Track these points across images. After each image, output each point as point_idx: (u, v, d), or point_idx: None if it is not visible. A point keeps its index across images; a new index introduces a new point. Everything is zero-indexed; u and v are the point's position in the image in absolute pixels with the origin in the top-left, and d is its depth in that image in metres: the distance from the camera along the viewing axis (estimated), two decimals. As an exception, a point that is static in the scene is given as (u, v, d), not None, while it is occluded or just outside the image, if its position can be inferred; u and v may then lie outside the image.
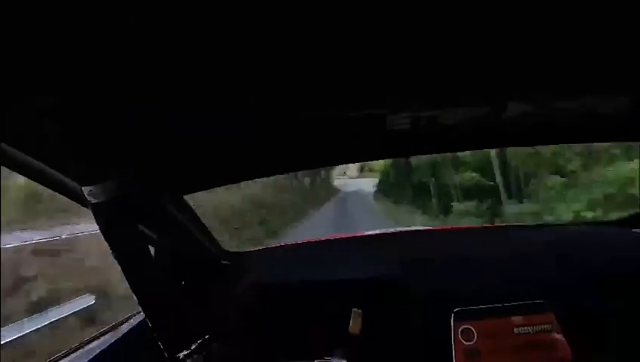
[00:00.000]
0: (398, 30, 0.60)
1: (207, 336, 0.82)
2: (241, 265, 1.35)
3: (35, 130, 0.64)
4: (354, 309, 1.17)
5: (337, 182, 23.14)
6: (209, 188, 1.14)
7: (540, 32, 0.64)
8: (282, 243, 1.64)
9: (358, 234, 1.70)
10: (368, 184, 19.95)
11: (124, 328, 1.06)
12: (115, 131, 0.72)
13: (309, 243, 1.57)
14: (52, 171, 0.74)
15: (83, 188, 0.71)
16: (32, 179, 0.75)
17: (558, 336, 1.08)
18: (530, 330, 1.09)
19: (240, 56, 0.62)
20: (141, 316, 0.93)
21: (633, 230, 1.40)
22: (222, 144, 0.91)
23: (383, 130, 0.92)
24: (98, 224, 0.75)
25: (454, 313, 1.12)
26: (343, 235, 1.67)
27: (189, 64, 0.64)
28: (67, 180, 0.77)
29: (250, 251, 1.50)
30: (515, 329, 1.09)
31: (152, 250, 0.98)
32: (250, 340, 1.20)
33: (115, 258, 0.77)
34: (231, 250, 1.40)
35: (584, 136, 1.27)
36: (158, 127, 0.77)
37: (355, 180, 23.38)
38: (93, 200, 0.72)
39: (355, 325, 1.16)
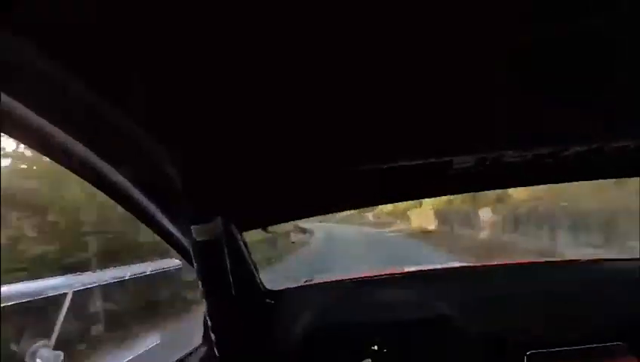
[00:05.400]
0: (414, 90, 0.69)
1: None
2: (284, 304, 1.32)
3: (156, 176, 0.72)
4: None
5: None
6: (273, 225, 1.21)
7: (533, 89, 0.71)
8: (320, 280, 1.61)
9: (401, 271, 1.66)
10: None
11: None
12: (228, 173, 0.80)
13: (351, 280, 1.52)
14: (158, 211, 0.81)
15: (192, 227, 0.78)
16: (140, 219, 0.84)
17: None
18: None
19: (319, 109, 0.72)
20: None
21: None
22: (296, 183, 0.97)
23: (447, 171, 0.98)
24: (196, 262, 0.82)
25: (527, 356, 1.06)
26: (385, 271, 1.62)
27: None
28: (169, 221, 0.83)
29: (290, 289, 1.46)
30: None
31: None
32: None
33: (204, 292, 0.84)
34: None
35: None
36: (258, 168, 0.85)
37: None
38: (198, 238, 0.79)
39: None
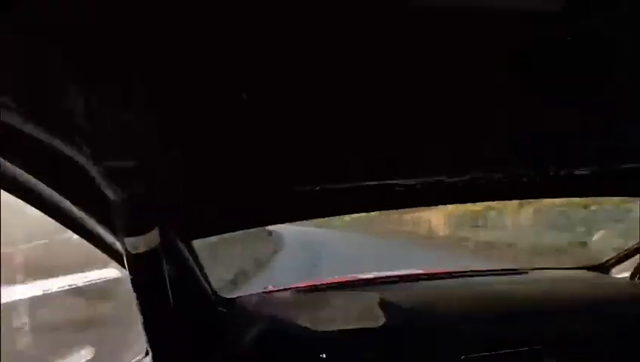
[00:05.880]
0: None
1: None
2: (236, 313, 1.29)
3: (85, 185, 0.67)
4: None
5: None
6: (222, 233, 1.16)
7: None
8: (273, 288, 1.60)
9: (350, 278, 1.68)
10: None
11: None
12: (163, 184, 0.77)
13: (301, 288, 1.52)
14: (91, 221, 0.76)
15: (125, 239, 0.73)
16: (70, 229, 0.78)
17: None
18: None
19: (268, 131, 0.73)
20: None
21: (611, 276, 1.48)
22: (241, 193, 0.95)
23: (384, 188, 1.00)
24: (131, 274, 0.77)
25: (462, 361, 1.10)
26: (336, 279, 1.64)
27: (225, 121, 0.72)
28: (103, 231, 0.78)
29: (242, 297, 1.43)
30: None
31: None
32: None
33: (139, 305, 0.79)
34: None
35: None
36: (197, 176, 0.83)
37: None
38: (133, 251, 0.74)
39: None
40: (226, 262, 7.97)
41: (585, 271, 1.64)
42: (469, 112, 0.77)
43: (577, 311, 1.24)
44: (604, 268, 1.54)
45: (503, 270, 1.77)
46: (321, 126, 0.77)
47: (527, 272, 1.66)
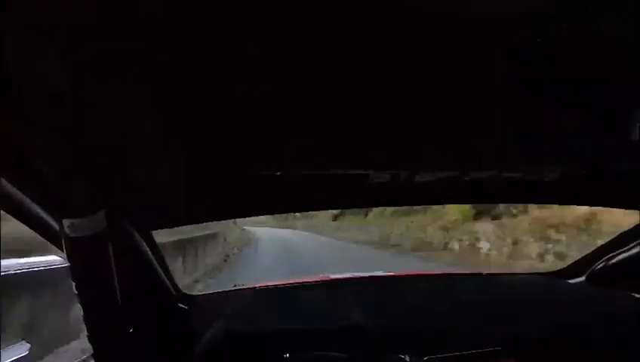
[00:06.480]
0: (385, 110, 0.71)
1: None
2: (198, 310, 1.23)
3: (24, 160, 0.60)
4: None
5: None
6: (180, 226, 1.09)
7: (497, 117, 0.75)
8: (239, 286, 1.55)
9: (318, 279, 1.68)
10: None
11: None
12: (107, 166, 0.71)
13: (268, 287, 1.48)
14: (28, 201, 0.68)
15: (64, 220, 0.67)
16: (6, 211, 0.70)
17: None
18: None
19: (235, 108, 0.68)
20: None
21: (568, 281, 1.55)
22: (203, 184, 0.89)
23: (365, 183, 0.97)
24: (69, 259, 0.71)
25: (424, 361, 1.12)
26: (303, 279, 1.63)
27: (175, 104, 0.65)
28: (42, 212, 0.71)
29: (207, 294, 1.39)
30: None
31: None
32: None
33: (79, 294, 0.73)
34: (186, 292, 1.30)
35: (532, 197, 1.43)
36: (145, 163, 0.76)
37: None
38: (72, 234, 0.67)
39: None
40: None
41: (545, 275, 1.71)
42: (469, 112, 0.76)
43: (533, 314, 1.30)
44: (565, 272, 1.60)
45: (465, 274, 1.82)
46: (315, 124, 0.74)
47: (488, 276, 1.72)
